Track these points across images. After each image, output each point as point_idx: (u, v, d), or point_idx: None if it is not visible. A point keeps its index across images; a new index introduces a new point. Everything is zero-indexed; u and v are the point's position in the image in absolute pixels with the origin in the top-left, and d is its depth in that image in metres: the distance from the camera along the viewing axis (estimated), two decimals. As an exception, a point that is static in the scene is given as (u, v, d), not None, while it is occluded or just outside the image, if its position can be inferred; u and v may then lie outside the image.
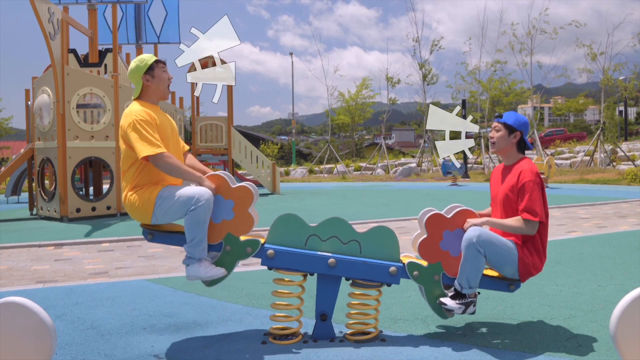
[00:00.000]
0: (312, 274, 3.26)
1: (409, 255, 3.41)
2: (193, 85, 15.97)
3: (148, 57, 3.34)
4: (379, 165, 26.74)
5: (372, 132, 65.27)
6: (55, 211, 9.86)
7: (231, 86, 16.09)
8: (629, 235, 6.89)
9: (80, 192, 10.74)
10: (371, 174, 26.05)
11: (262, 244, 3.24)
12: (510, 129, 3.31)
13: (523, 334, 3.25)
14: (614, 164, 22.67)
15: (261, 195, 15.32)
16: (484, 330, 3.35)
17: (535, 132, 24.66)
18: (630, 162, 21.98)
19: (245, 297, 4.22)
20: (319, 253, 3.22)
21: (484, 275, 3.24)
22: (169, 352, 3.07)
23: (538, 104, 29.95)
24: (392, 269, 3.20)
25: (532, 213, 3.11)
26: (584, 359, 2.85)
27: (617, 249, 5.89)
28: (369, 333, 3.25)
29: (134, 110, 3.20)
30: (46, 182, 13.03)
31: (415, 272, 3.23)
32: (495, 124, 3.39)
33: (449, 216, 3.27)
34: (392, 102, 29.83)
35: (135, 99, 3.34)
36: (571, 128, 49.92)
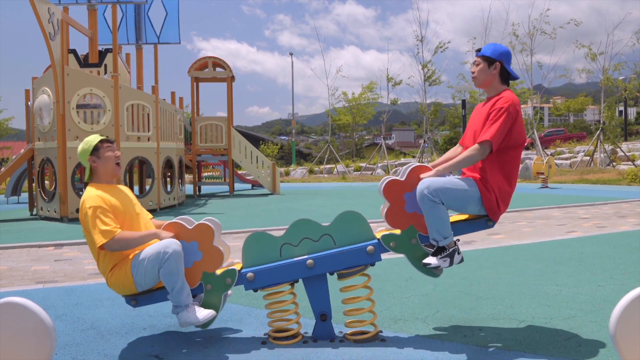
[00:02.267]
0: (296, 281, 3.27)
1: (382, 229, 3.39)
2: (192, 86, 15.98)
3: (92, 139, 3.33)
4: (379, 165, 26.73)
5: (372, 132, 65.30)
6: (55, 211, 9.87)
7: (231, 86, 16.11)
8: (629, 235, 6.89)
9: (80, 193, 10.74)
10: (371, 174, 26.05)
11: (240, 270, 3.25)
12: (489, 60, 3.26)
13: (523, 334, 3.25)
14: (614, 164, 22.67)
15: (261, 195, 15.33)
16: (484, 330, 3.35)
17: (535, 132, 24.66)
18: (630, 162, 21.98)
19: (245, 297, 4.22)
20: (295, 259, 3.22)
21: (457, 221, 3.23)
22: (169, 352, 3.08)
23: (538, 104, 29.94)
24: (369, 248, 3.20)
25: (485, 135, 3.09)
26: (584, 359, 2.85)
27: (617, 249, 5.89)
28: (367, 332, 3.24)
29: (86, 198, 3.19)
30: (46, 182, 13.04)
31: (392, 243, 3.22)
32: (475, 58, 3.35)
33: (403, 178, 3.24)
34: (394, 102, 29.84)
35: (88, 182, 3.34)
36: (571, 128, 49.92)
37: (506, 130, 3.12)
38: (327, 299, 3.26)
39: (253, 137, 43.39)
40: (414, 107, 31.85)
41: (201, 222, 3.25)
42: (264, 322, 3.55)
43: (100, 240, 3.07)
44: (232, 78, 16.01)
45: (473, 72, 3.34)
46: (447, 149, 43.14)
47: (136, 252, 3.18)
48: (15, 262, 6.01)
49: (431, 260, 3.15)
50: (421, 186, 3.08)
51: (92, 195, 3.20)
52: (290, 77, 38.18)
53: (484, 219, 3.25)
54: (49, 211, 10.14)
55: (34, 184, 11.35)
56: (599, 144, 23.26)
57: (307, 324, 3.44)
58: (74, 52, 11.94)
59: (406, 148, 50.05)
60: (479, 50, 3.33)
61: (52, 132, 9.90)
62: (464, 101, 24.38)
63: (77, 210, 9.75)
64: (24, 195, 15.07)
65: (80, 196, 9.91)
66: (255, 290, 3.27)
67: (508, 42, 25.89)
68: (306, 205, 11.76)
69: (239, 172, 20.70)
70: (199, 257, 3.21)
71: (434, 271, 3.25)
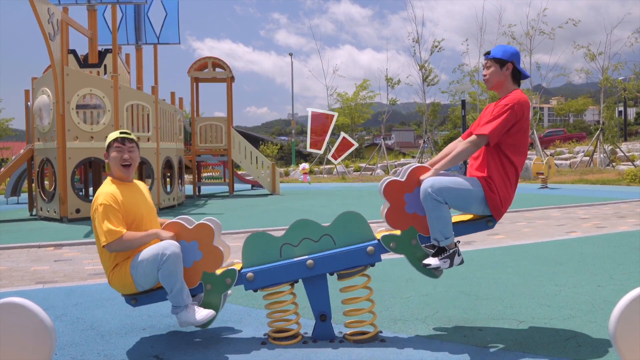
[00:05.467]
0: (296, 281, 3.27)
1: (382, 230, 3.39)
2: (192, 87, 15.98)
3: (112, 134, 3.36)
4: (379, 165, 26.74)
5: (371, 132, 65.30)
6: (55, 212, 9.86)
7: (231, 87, 16.11)
8: (629, 235, 6.89)
9: (80, 193, 10.73)
10: (371, 174, 26.05)
11: (240, 270, 3.25)
12: (500, 62, 3.25)
13: (523, 334, 3.25)
14: (614, 164, 22.68)
15: (261, 195, 15.32)
16: (484, 330, 3.35)
17: (535, 132, 24.66)
18: (629, 163, 21.98)
19: (245, 297, 4.22)
20: (295, 259, 3.23)
21: (457, 222, 3.24)
22: (169, 353, 3.07)
23: (537, 104, 29.95)
24: (369, 248, 3.20)
25: (484, 129, 3.09)
26: (584, 359, 2.85)
27: (616, 249, 5.89)
28: (367, 332, 3.24)
29: (100, 194, 3.20)
30: (46, 182, 13.03)
31: (392, 244, 3.21)
32: (485, 61, 3.32)
33: (403, 179, 3.23)
34: (392, 102, 29.85)
35: (108, 174, 3.37)
36: (571, 128, 49.94)
37: (507, 127, 3.11)
38: (327, 299, 3.26)
39: (253, 138, 43.39)
40: (414, 108, 31.87)
41: (201, 221, 3.25)
42: (264, 322, 3.55)
43: (103, 240, 3.08)
44: (232, 78, 16.01)
45: (485, 75, 3.31)
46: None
47: (135, 252, 3.18)
48: (15, 262, 6.00)
49: (431, 260, 3.15)
50: (425, 185, 3.08)
51: (106, 191, 3.20)
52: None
53: (484, 220, 3.25)
54: (48, 211, 10.13)
55: (33, 185, 11.34)
56: (598, 144, 23.26)
57: (307, 324, 3.44)
58: (73, 52, 11.93)
59: (406, 148, 50.06)
60: (488, 53, 3.31)
61: (52, 132, 9.89)
62: (463, 101, 24.37)
63: (77, 210, 9.76)
64: (24, 196, 15.05)
65: (80, 197, 9.92)
66: (255, 290, 3.27)
67: (506, 42, 25.95)
68: (306, 206, 11.75)
69: (239, 172, 20.70)
70: (199, 256, 3.21)
71: (434, 272, 3.24)
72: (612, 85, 24.90)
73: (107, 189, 3.22)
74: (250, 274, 3.21)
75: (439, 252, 3.16)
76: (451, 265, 3.15)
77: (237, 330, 3.45)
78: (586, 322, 3.45)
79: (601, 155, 23.21)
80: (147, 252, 3.09)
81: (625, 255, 5.58)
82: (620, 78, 25.81)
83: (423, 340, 3.20)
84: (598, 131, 23.45)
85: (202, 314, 3.13)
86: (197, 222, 3.27)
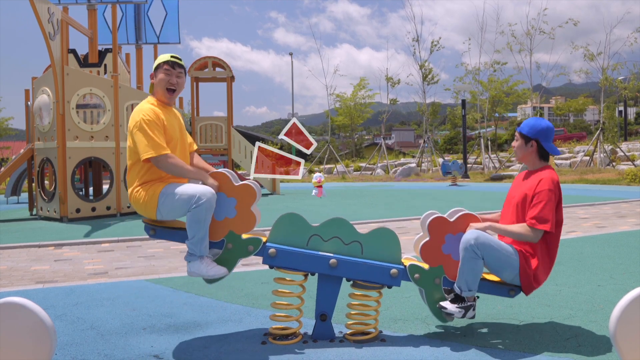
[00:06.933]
0: (313, 274, 3.27)
1: (410, 257, 3.41)
2: (192, 86, 15.98)
3: (163, 56, 3.35)
4: (379, 165, 26.74)
5: (371, 132, 65.33)
6: (55, 211, 9.86)
7: (231, 86, 16.10)
8: (629, 235, 6.89)
9: (80, 193, 10.73)
10: (371, 174, 26.05)
11: (264, 243, 3.25)
12: (525, 138, 3.33)
13: (523, 334, 3.25)
14: (614, 164, 22.67)
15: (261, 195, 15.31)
16: (483, 330, 3.35)
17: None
18: (629, 162, 21.98)
19: (245, 297, 4.22)
20: (320, 253, 3.23)
21: (484, 279, 3.25)
22: (169, 352, 3.07)
23: (538, 104, 29.94)
24: (393, 270, 3.21)
25: (539, 221, 3.11)
26: (584, 359, 2.85)
27: (617, 249, 5.89)
28: (368, 333, 3.25)
29: (143, 108, 3.20)
30: (46, 182, 13.03)
31: (417, 275, 3.23)
32: (515, 133, 3.44)
33: (452, 220, 3.27)
34: (393, 102, 29.85)
35: (151, 94, 3.38)
36: (571, 128, 49.93)
37: (555, 211, 3.18)
38: (334, 301, 3.26)
39: (253, 137, 43.39)
40: (414, 107, 31.88)
41: (247, 182, 3.24)
42: (264, 322, 3.55)
43: (149, 152, 3.06)
44: (232, 78, 16.01)
45: (513, 146, 3.44)
46: (447, 149, 43.14)
47: (172, 181, 3.18)
48: (15, 262, 6.01)
49: (448, 305, 3.17)
50: (469, 235, 3.09)
51: (147, 107, 3.20)
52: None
53: (508, 288, 3.25)
54: (48, 211, 10.13)
55: (33, 184, 11.34)
56: (598, 144, 23.25)
57: (307, 324, 3.44)
58: (73, 52, 11.93)
59: (406, 148, 50.08)
60: (518, 125, 3.38)
61: (52, 132, 9.89)
62: (463, 101, 24.37)
63: (78, 210, 9.76)
64: (24, 195, 15.07)
65: (80, 196, 9.92)
66: (271, 267, 3.26)
67: (507, 41, 25.97)
68: (306, 205, 11.75)
69: (239, 172, 20.70)
70: (232, 214, 3.21)
71: (445, 316, 3.27)
72: (611, 85, 24.89)
73: (149, 106, 3.21)
74: (273, 250, 3.20)
75: (457, 299, 3.19)
76: (464, 316, 3.17)
77: (237, 330, 3.45)
78: (586, 322, 3.45)
79: (601, 155, 23.20)
80: (184, 189, 3.08)
81: (625, 255, 5.58)
82: (620, 78, 25.80)
83: (423, 339, 3.20)
84: (598, 131, 23.43)
85: (215, 269, 3.13)
86: (242, 182, 3.25)
